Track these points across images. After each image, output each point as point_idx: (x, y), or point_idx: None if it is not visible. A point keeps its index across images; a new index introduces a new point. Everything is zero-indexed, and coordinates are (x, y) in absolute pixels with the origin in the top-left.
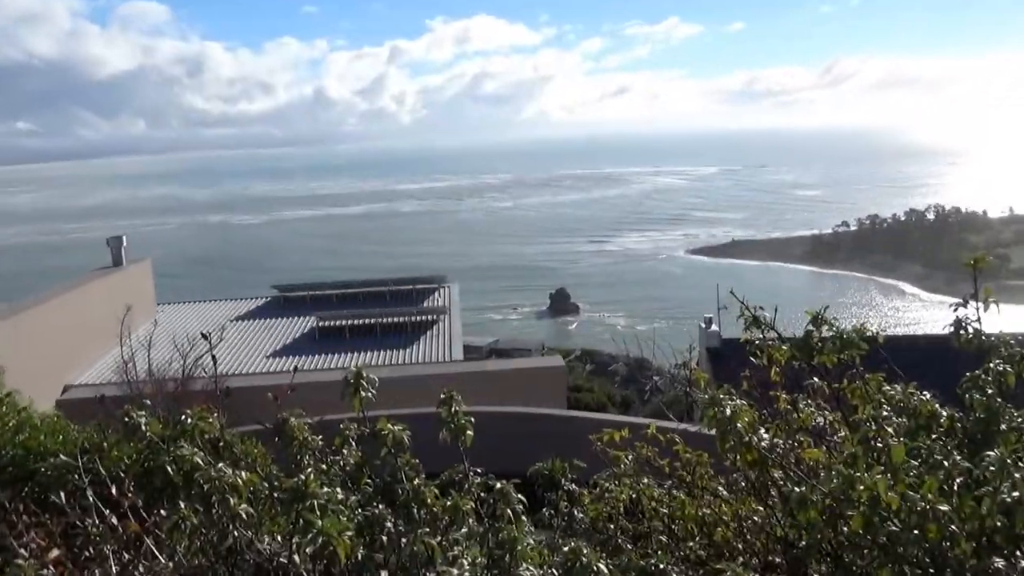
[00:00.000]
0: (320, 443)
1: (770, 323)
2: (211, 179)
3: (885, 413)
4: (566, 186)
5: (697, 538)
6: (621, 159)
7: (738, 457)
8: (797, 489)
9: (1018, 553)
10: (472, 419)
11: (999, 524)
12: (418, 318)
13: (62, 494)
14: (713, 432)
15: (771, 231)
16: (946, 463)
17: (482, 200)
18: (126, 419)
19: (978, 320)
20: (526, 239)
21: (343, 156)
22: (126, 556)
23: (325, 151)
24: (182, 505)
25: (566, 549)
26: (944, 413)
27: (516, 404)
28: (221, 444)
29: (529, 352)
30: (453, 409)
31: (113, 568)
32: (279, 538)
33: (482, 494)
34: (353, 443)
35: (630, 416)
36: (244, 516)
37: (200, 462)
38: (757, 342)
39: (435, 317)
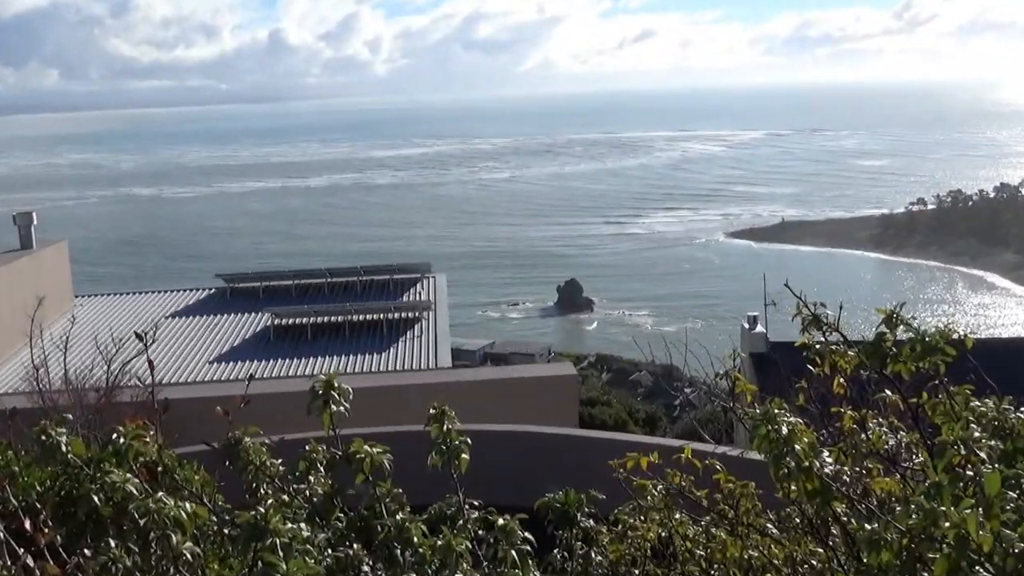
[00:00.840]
0: (281, 468)
1: (832, 323)
2: (140, 143)
3: (975, 434)
4: (577, 154)
5: None
6: (645, 121)
7: (794, 487)
8: (867, 526)
9: None
10: (468, 440)
11: None
12: (396, 315)
13: None
14: (762, 457)
15: (829, 210)
16: None
17: (474, 171)
18: (42, 437)
19: None
20: (528, 219)
21: (304, 116)
22: None
23: (282, 109)
24: (112, 543)
25: None
26: None
27: (516, 421)
28: (160, 469)
29: (532, 358)
30: (445, 427)
31: None
32: None
33: (480, 532)
34: (321, 468)
35: (657, 437)
36: (189, 557)
37: (134, 491)
38: (817, 346)
39: (417, 314)
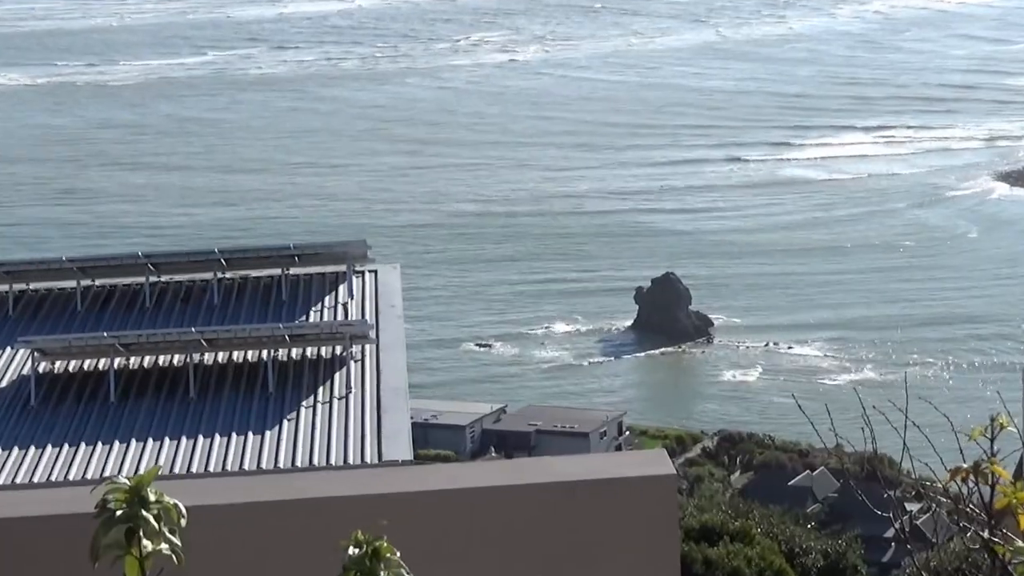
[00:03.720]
0: None
1: None
2: None
3: None
4: (666, 13)
5: None
6: None
7: None
8: None
9: None
10: None
11: None
12: (295, 353)
13: None
14: None
15: None
16: None
17: (448, 49)
18: None
19: None
20: (572, 152)
21: None
22: None
23: None
24: None
25: None
26: None
27: (547, 569)
28: None
29: (584, 440)
30: None
31: None
32: None
33: None
34: None
35: None
36: None
37: None
38: None
39: (340, 351)
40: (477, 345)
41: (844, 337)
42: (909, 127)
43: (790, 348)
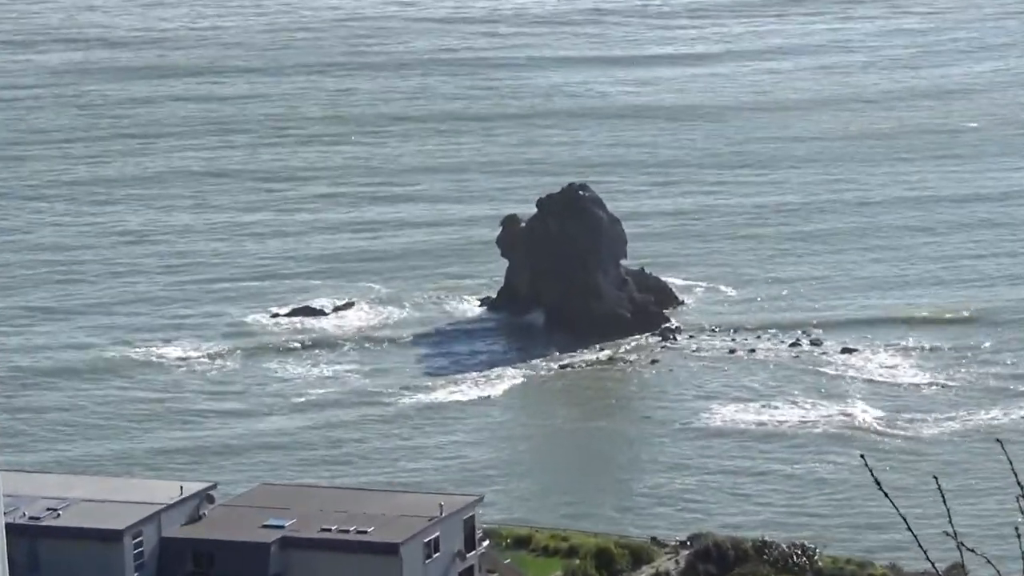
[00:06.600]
0: None
1: None
2: None
3: None
4: None
5: None
6: None
7: None
8: None
9: None
10: None
11: None
12: None
13: None
14: None
15: None
16: None
17: None
18: None
19: None
20: None
21: None
22: None
23: None
24: None
25: None
26: None
27: None
28: None
29: (392, 561)
30: None
31: None
32: None
33: None
34: None
35: None
36: None
37: None
38: None
39: None
40: (154, 354)
41: (960, 342)
42: None
43: (843, 355)
